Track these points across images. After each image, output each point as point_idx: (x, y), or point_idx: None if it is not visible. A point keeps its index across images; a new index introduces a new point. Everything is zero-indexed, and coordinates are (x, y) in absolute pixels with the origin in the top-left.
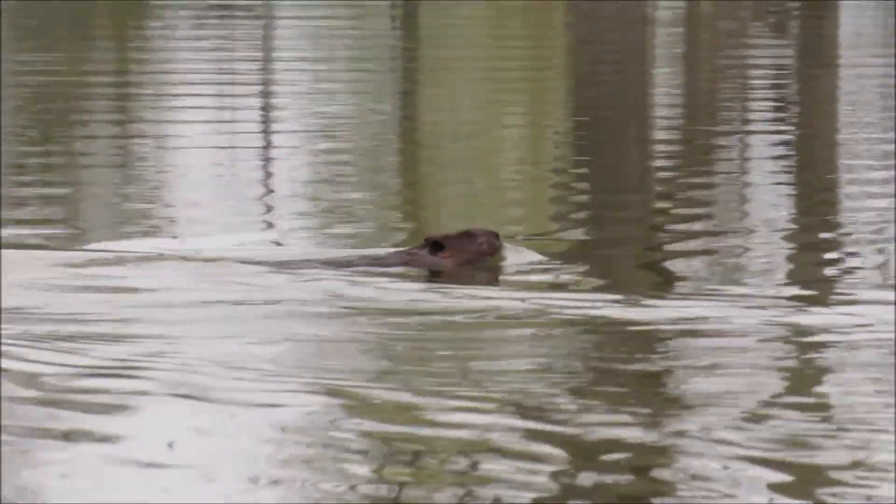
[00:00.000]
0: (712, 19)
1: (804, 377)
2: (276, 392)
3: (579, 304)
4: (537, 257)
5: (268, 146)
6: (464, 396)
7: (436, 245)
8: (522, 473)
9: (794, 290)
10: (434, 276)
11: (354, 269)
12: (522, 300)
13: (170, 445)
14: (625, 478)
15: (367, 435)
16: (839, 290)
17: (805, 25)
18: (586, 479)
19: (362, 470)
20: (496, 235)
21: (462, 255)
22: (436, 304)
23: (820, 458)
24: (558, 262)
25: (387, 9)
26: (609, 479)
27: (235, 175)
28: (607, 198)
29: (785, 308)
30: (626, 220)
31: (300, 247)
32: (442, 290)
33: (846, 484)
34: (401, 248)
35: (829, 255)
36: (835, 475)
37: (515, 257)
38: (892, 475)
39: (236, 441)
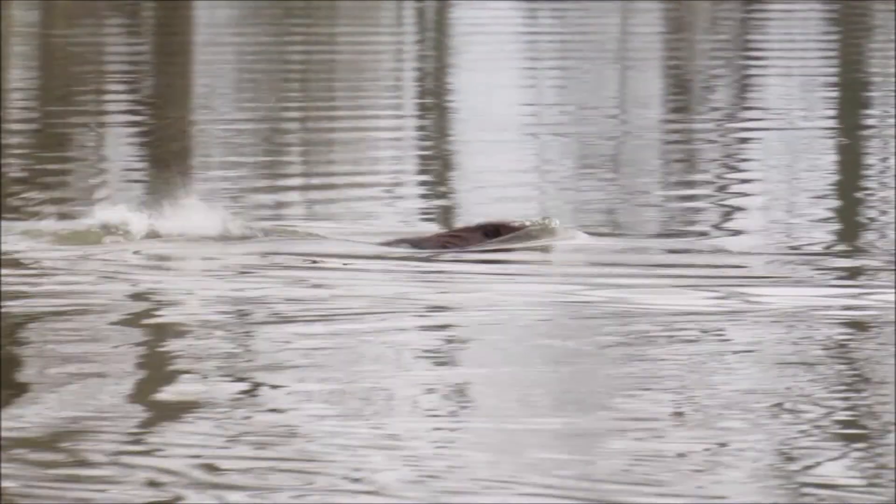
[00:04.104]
0: (67, 12)
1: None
2: None
3: None
4: (586, 239)
5: None
6: None
7: (493, 232)
8: None
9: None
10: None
11: (393, 250)
12: None
13: None
14: None
15: None
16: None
17: (160, 17)
18: None
19: None
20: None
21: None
22: None
23: None
24: None
25: None
26: None
27: None
28: None
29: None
30: None
31: None
32: None
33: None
34: (444, 232)
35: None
36: None
37: (564, 238)
38: None
39: None
